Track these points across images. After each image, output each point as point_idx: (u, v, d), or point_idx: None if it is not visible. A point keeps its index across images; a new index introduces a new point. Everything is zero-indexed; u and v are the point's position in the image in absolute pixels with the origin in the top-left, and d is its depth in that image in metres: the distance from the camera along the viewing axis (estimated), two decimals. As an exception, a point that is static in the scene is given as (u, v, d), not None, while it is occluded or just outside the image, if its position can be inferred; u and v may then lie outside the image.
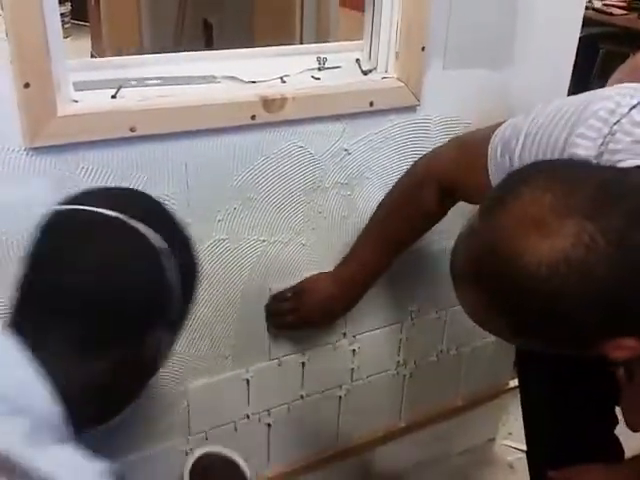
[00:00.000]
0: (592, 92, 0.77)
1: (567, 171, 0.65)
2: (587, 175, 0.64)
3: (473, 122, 1.12)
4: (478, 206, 0.68)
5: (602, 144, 0.70)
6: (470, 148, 0.89)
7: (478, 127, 1.11)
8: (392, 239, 1.04)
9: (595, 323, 0.62)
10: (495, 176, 0.82)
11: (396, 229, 1.03)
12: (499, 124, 0.84)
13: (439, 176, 0.95)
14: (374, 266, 1.06)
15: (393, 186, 1.05)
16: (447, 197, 0.97)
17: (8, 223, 0.79)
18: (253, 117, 0.89)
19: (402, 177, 1.04)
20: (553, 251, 0.58)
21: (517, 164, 0.77)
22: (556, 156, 0.73)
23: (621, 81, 1.03)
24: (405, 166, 1.09)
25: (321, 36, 2.42)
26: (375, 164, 1.06)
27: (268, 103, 0.89)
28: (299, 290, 1.07)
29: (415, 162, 1.03)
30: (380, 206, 1.06)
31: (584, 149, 0.70)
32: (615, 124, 0.69)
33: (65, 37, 0.81)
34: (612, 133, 0.69)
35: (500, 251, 0.61)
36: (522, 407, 1.14)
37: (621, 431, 1.04)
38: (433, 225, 1.03)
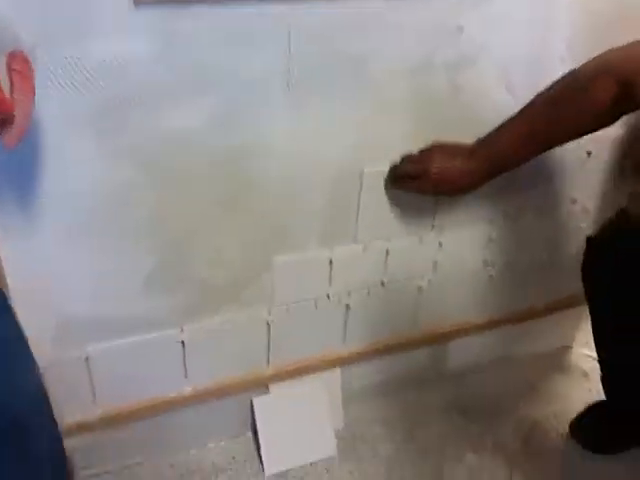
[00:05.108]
0: None
1: None
2: None
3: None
4: None
5: None
6: None
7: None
8: (542, 135, 0.92)
9: None
10: None
11: (551, 125, 0.90)
12: None
13: (618, 69, 0.82)
14: (511, 157, 0.96)
15: (558, 79, 0.89)
16: (623, 99, 0.84)
17: (112, 78, 0.78)
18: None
19: (570, 71, 0.89)
20: None
21: None
22: None
23: None
24: (523, 50, 1.00)
25: None
26: (489, 45, 0.97)
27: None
28: (428, 153, 0.99)
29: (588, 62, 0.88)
30: (538, 97, 0.91)
31: None
32: None
33: None
34: None
35: None
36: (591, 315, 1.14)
37: None
38: (594, 131, 0.90)
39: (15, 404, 0.63)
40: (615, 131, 1.19)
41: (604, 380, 1.24)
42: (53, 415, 0.73)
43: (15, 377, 0.64)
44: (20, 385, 0.65)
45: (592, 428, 1.27)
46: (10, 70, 0.63)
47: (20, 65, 0.63)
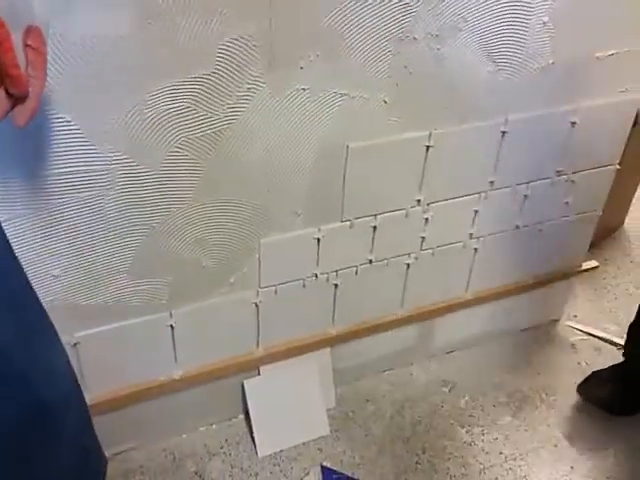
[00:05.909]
0: None
1: None
2: None
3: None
4: None
5: None
6: None
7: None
8: None
9: None
10: None
11: None
12: None
13: None
14: None
15: None
16: None
17: (94, 55, 0.77)
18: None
19: None
20: None
21: None
22: None
23: None
24: (505, 19, 0.99)
25: None
26: (471, 14, 0.97)
27: None
28: None
29: None
30: None
31: None
32: None
33: None
34: None
35: None
36: None
37: None
38: None
39: (43, 388, 0.61)
40: (596, 101, 1.19)
41: (630, 341, 1.26)
42: (84, 398, 0.71)
43: (40, 360, 0.62)
44: (49, 369, 0.63)
45: (608, 389, 1.28)
46: (25, 46, 0.59)
47: (35, 41, 0.59)
